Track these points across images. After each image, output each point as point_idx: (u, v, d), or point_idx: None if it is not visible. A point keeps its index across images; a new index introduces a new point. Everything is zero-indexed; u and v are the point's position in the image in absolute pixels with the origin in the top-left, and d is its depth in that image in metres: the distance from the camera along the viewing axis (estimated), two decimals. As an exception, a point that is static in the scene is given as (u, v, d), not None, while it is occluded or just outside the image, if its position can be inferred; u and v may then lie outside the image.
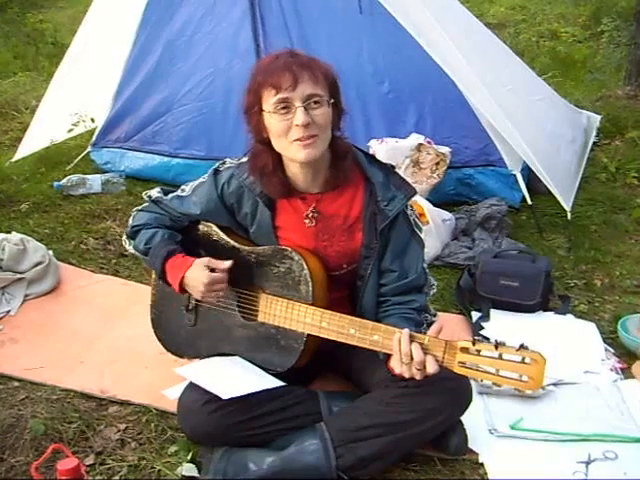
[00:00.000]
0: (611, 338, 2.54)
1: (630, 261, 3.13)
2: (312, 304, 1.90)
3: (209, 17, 3.76)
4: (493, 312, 2.66)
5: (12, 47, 7.18)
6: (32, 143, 4.20)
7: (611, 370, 2.36)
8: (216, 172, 2.05)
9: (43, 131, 4.18)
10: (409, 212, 1.99)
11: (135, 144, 4.03)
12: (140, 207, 2.17)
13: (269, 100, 1.79)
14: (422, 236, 2.03)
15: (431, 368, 1.71)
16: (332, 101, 1.82)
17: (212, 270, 1.97)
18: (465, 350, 1.69)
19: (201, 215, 2.07)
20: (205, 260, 1.98)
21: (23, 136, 4.30)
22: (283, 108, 1.78)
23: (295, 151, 1.82)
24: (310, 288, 1.91)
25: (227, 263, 1.98)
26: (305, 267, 1.91)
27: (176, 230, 2.12)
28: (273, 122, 1.81)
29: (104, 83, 4.05)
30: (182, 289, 2.01)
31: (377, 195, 1.93)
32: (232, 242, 2.06)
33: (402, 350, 1.72)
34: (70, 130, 4.20)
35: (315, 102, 1.78)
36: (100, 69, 4.04)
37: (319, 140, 1.82)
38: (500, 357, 1.65)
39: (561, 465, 1.95)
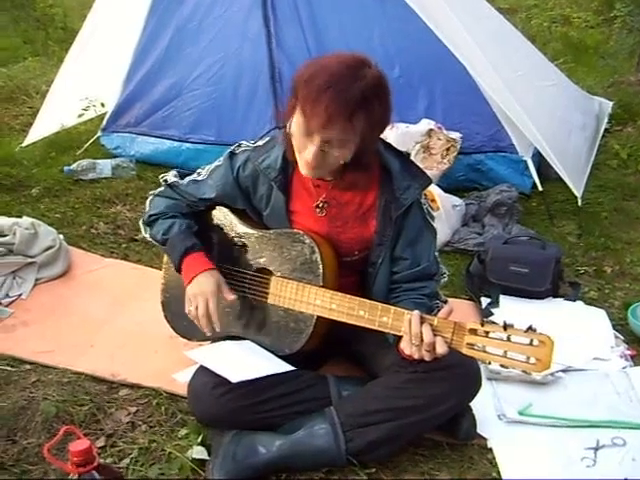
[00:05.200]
0: (621, 325, 2.54)
1: (641, 248, 3.12)
2: (322, 287, 1.91)
3: (219, 1, 3.75)
4: (502, 298, 2.66)
5: (22, 32, 7.17)
6: (42, 128, 4.20)
7: (620, 357, 2.36)
8: (232, 155, 2.05)
9: (53, 116, 4.18)
10: (422, 201, 1.99)
11: (145, 129, 4.03)
12: (156, 191, 2.18)
13: (298, 117, 1.75)
14: (434, 224, 2.03)
15: (440, 349, 1.71)
16: (359, 139, 1.76)
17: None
18: (473, 332, 1.70)
19: (217, 198, 2.08)
20: (223, 280, 2.03)
21: (33, 121, 4.30)
22: (305, 134, 1.75)
23: (300, 163, 1.83)
24: (321, 271, 1.91)
25: (232, 297, 2.01)
26: (316, 250, 1.92)
27: (192, 215, 2.14)
28: (294, 132, 1.79)
29: (114, 68, 4.04)
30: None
31: (393, 184, 1.92)
32: (244, 225, 2.08)
33: (412, 331, 1.72)
34: (80, 115, 4.20)
35: (337, 143, 1.74)
36: (110, 54, 4.04)
37: (325, 169, 1.83)
38: (508, 339, 1.65)
39: (569, 451, 1.96)
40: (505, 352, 1.66)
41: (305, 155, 1.77)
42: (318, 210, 1.98)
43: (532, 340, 1.63)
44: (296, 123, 1.77)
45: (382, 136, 1.91)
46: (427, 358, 1.74)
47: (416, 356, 1.75)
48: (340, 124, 1.69)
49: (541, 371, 1.65)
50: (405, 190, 1.92)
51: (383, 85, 1.76)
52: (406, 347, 1.76)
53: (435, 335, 1.72)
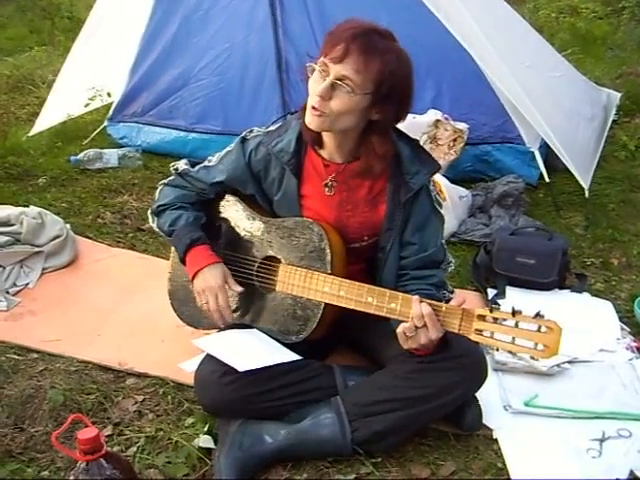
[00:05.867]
0: (627, 317, 2.53)
1: (648, 240, 3.11)
2: (330, 274, 1.91)
3: (226, -9, 3.74)
4: (509, 289, 2.65)
5: (28, 22, 7.17)
6: (49, 117, 4.21)
7: (627, 349, 2.35)
8: (243, 140, 2.06)
9: (60, 105, 4.18)
10: (431, 188, 1.99)
11: (152, 119, 4.03)
12: (166, 180, 2.19)
13: (320, 58, 1.81)
14: (442, 212, 2.03)
15: (434, 333, 1.73)
16: (368, 94, 1.78)
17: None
18: (482, 318, 1.70)
19: (227, 181, 2.09)
20: (228, 273, 2.05)
21: (40, 110, 4.31)
22: (323, 71, 1.79)
23: (307, 112, 1.84)
24: (329, 258, 1.92)
25: (239, 289, 2.04)
26: (325, 238, 1.93)
27: (201, 205, 2.14)
28: (312, 78, 1.82)
29: (121, 57, 4.05)
30: (194, 278, 2.06)
31: (402, 168, 1.93)
32: (253, 213, 2.09)
33: (415, 312, 1.73)
34: (87, 104, 4.21)
35: (345, 86, 1.76)
36: (116, 43, 4.04)
37: (327, 119, 1.81)
38: (516, 325, 1.65)
39: (575, 442, 1.96)
40: (513, 338, 1.66)
41: (316, 91, 1.78)
42: (327, 189, 1.99)
43: (540, 326, 1.63)
44: (315, 72, 1.80)
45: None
46: (422, 340, 1.75)
47: (413, 345, 1.77)
48: (353, 60, 1.74)
49: (549, 357, 1.65)
50: (414, 175, 1.93)
51: (411, 67, 1.85)
52: (404, 342, 1.78)
53: (442, 323, 1.73)
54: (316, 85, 1.79)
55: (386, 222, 1.97)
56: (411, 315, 1.75)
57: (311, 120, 1.83)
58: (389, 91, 1.80)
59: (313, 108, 1.80)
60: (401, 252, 2.00)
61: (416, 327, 1.74)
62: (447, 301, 1.78)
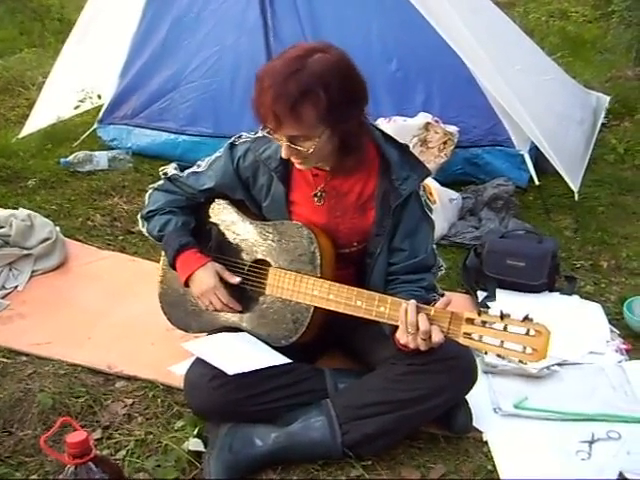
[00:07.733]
0: (616, 319, 2.54)
1: (637, 243, 3.12)
2: (320, 278, 1.91)
3: (217, -7, 3.74)
4: (499, 292, 2.66)
5: (18, 23, 7.14)
6: (39, 119, 4.19)
7: (616, 351, 2.36)
8: (232, 146, 2.06)
9: (50, 107, 4.17)
10: (421, 193, 1.99)
11: (142, 121, 4.02)
12: (156, 185, 2.19)
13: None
14: (432, 217, 2.03)
15: (436, 337, 1.72)
16: (323, 130, 1.75)
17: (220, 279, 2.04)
18: (470, 321, 1.70)
19: (216, 187, 2.09)
20: (218, 267, 2.05)
21: (29, 112, 4.30)
22: (275, 139, 1.83)
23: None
24: (319, 262, 1.92)
25: (237, 279, 2.04)
26: (315, 241, 1.92)
27: (191, 209, 2.14)
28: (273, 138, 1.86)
29: (111, 60, 4.04)
30: (187, 283, 2.07)
31: (392, 174, 1.92)
32: (243, 217, 2.09)
33: (408, 320, 1.73)
34: (77, 107, 4.21)
35: (301, 138, 1.76)
36: (107, 45, 4.03)
37: (311, 161, 1.85)
38: (505, 329, 1.66)
39: (564, 444, 1.96)
40: (502, 342, 1.67)
41: (283, 154, 1.81)
42: (316, 199, 1.99)
43: (528, 330, 1.64)
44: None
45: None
46: (423, 347, 1.75)
47: (411, 345, 1.75)
48: (288, 122, 1.72)
49: (537, 361, 1.66)
50: (404, 180, 1.92)
51: (333, 67, 1.73)
52: (402, 336, 1.77)
53: (431, 324, 1.72)
54: (280, 147, 1.83)
55: (375, 228, 1.97)
56: (409, 323, 1.74)
57: (299, 167, 1.87)
58: (338, 111, 1.73)
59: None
60: (391, 258, 1.99)
61: (408, 333, 1.75)
62: (436, 303, 1.78)
